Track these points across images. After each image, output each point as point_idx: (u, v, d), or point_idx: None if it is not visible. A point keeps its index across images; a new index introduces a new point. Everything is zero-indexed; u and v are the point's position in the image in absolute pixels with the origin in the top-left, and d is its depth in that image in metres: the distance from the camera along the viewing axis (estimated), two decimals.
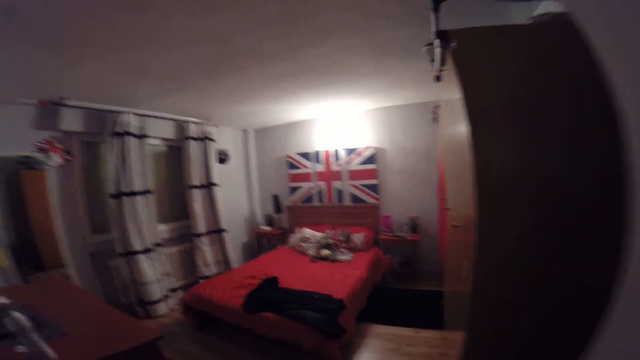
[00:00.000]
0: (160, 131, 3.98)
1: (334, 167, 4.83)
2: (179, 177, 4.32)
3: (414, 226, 4.18)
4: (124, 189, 3.40)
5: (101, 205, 3.44)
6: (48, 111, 2.97)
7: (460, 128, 1.26)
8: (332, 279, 3.11)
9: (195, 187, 4.25)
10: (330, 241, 4.14)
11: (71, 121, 3.11)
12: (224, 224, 4.46)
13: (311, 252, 4.08)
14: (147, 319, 3.35)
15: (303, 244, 4.27)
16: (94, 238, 3.36)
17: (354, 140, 4.69)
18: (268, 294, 2.65)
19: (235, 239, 4.94)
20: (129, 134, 3.43)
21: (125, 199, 3.39)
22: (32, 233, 4.51)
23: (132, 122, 3.46)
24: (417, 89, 3.60)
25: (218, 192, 4.48)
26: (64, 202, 3.16)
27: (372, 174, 4.54)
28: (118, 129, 3.35)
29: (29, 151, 2.92)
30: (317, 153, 4.97)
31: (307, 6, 1.71)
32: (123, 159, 3.43)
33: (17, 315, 0.89)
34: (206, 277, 4.08)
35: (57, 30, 1.75)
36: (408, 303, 3.36)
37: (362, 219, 4.56)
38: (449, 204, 1.96)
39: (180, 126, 4.22)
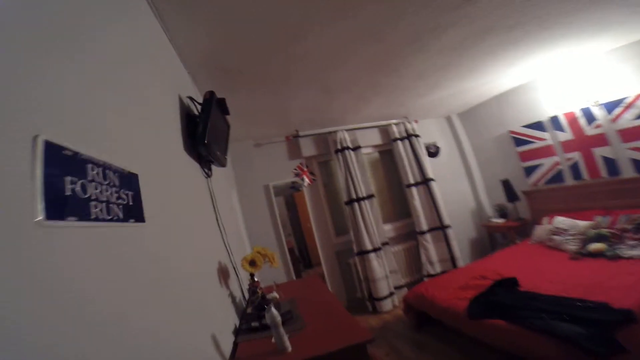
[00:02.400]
0: (370, 140, 4.44)
1: (589, 131, 3.48)
2: (396, 178, 4.58)
3: None
4: (352, 196, 4.00)
5: (340, 212, 4.22)
6: (293, 144, 4.07)
7: None
8: (611, 282, 2.20)
9: (412, 185, 4.35)
10: (606, 231, 2.96)
11: (307, 148, 4.10)
12: (446, 220, 4.25)
13: (571, 246, 3.08)
14: (373, 313, 3.72)
15: (556, 237, 3.30)
16: (337, 239, 4.17)
17: (609, 91, 3.22)
18: (502, 298, 2.23)
19: (461, 235, 4.57)
20: (346, 148, 4.06)
21: (355, 204, 3.98)
22: (303, 238, 6.28)
23: (346, 138, 4.09)
24: None
25: (435, 186, 4.36)
26: (315, 212, 4.15)
27: None
28: (338, 146, 4.05)
29: (290, 178, 4.07)
30: (553, 119, 3.79)
31: None
32: (348, 170, 4.06)
33: (274, 311, 1.17)
34: (430, 276, 4.05)
35: (274, 80, 2.42)
36: None
37: None
38: None
39: (385, 130, 4.52)
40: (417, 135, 4.51)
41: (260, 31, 1.79)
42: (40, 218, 0.53)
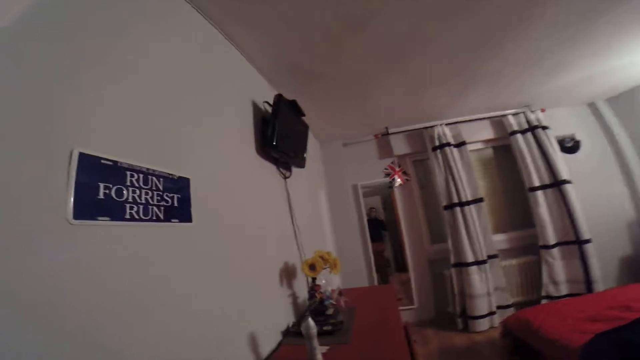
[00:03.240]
0: (478, 134, 3.88)
1: None
2: (514, 180, 3.87)
3: None
4: (454, 199, 3.59)
5: (437, 217, 3.84)
6: (383, 142, 3.92)
7: None
8: None
9: (537, 188, 3.59)
10: None
11: (399, 146, 3.89)
12: (585, 232, 3.34)
13: None
14: (462, 331, 3.28)
15: None
16: (432, 247, 3.81)
17: None
18: None
19: (607, 252, 3.49)
20: (447, 145, 3.66)
21: (456, 209, 3.56)
22: (399, 240, 5.97)
23: (446, 133, 3.68)
24: None
25: (571, 190, 3.48)
26: (407, 215, 3.90)
27: None
28: (436, 143, 3.69)
29: (380, 178, 3.94)
30: None
31: None
32: (449, 170, 3.66)
33: (310, 322, 1.11)
34: (551, 297, 3.29)
35: (349, 77, 2.34)
36: None
37: None
38: None
39: (499, 122, 3.86)
40: (544, 127, 3.68)
41: (318, 25, 1.71)
42: (69, 217, 0.66)
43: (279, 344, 1.38)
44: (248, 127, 1.76)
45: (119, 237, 0.78)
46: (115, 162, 0.80)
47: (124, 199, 0.80)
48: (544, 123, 3.68)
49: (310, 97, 2.57)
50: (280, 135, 1.81)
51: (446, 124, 3.74)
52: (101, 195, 0.74)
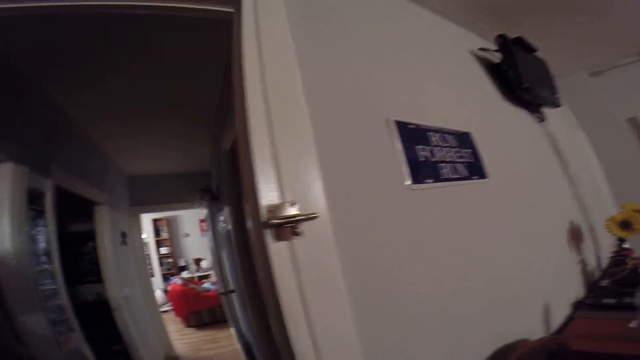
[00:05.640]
0: None
1: None
2: None
3: None
4: None
5: None
6: None
7: None
8: None
9: None
10: None
11: None
12: None
13: None
14: None
15: None
16: None
17: None
18: None
19: None
20: None
21: None
22: None
23: None
24: None
25: None
26: None
27: None
28: None
29: None
30: None
31: None
32: None
33: None
34: None
35: None
36: None
37: None
38: None
39: None
40: None
41: None
42: (409, 183, 0.68)
43: (570, 317, 1.15)
44: (483, 78, 1.58)
45: (439, 196, 0.77)
46: (417, 125, 0.80)
47: (436, 159, 0.78)
48: None
49: (526, 33, 2.01)
50: (525, 75, 1.52)
51: None
52: (421, 158, 0.75)
